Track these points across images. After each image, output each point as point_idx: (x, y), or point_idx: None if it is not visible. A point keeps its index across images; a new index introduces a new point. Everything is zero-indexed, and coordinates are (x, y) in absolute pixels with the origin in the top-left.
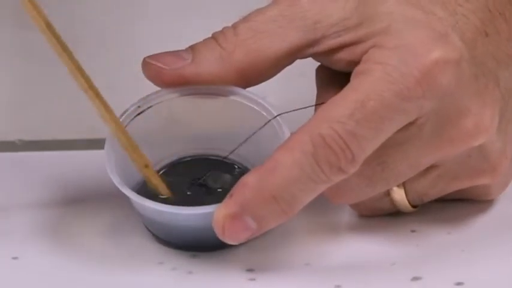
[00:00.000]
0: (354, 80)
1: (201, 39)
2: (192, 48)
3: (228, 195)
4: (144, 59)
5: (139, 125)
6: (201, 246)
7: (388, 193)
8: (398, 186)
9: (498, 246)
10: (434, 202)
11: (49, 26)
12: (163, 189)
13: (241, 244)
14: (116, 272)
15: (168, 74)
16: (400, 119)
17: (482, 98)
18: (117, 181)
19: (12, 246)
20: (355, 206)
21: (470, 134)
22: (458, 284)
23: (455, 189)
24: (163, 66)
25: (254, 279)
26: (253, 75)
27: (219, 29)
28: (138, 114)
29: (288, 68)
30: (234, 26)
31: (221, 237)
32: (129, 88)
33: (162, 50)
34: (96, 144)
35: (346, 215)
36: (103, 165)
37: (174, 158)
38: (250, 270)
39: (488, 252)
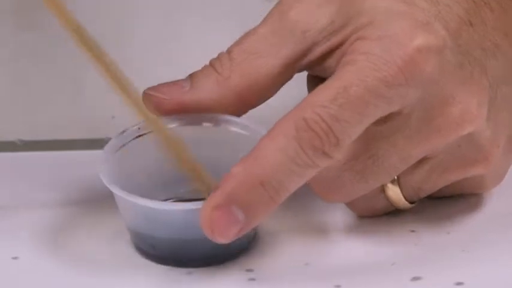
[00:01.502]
0: (338, 70)
1: (200, 39)
2: (190, 76)
3: (213, 190)
4: (144, 91)
5: (138, 147)
6: (193, 260)
7: (382, 189)
8: (392, 182)
9: (498, 246)
10: (434, 202)
11: (78, 30)
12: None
13: (238, 251)
14: (115, 272)
15: (168, 104)
16: (383, 107)
17: (468, 86)
18: (106, 180)
19: (12, 246)
20: (352, 206)
21: (456, 122)
22: (458, 284)
23: (449, 182)
24: (164, 97)
25: (254, 279)
26: (252, 97)
27: (219, 28)
28: (138, 136)
29: None
30: (229, 51)
31: (210, 235)
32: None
33: (162, 50)
34: (96, 144)
35: (346, 215)
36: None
37: (171, 195)
38: (250, 270)
39: (488, 252)
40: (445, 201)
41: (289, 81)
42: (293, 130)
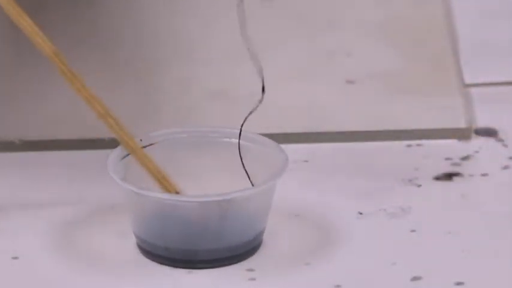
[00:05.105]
0: None
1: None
2: None
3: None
4: None
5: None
6: (198, 262)
7: None
8: None
9: (498, 246)
10: (433, 202)
11: (57, 54)
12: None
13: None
14: (115, 272)
15: None
16: None
17: None
18: (117, 177)
19: (12, 246)
20: None
21: None
22: (458, 284)
23: None
24: None
25: (254, 279)
26: None
27: (219, 28)
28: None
29: (287, 68)
30: None
31: None
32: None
33: (161, 50)
34: (96, 144)
35: (346, 215)
36: (103, 165)
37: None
38: (250, 270)
39: (488, 252)
40: (444, 201)
41: (289, 80)
42: None
